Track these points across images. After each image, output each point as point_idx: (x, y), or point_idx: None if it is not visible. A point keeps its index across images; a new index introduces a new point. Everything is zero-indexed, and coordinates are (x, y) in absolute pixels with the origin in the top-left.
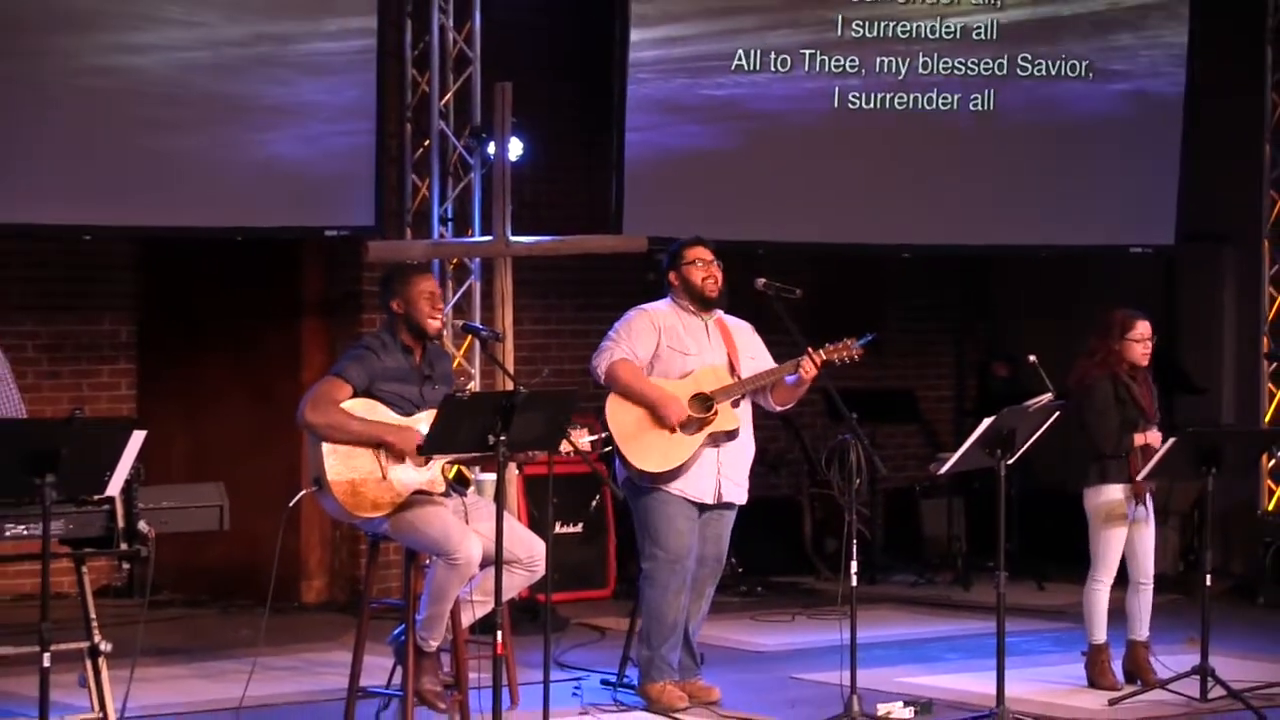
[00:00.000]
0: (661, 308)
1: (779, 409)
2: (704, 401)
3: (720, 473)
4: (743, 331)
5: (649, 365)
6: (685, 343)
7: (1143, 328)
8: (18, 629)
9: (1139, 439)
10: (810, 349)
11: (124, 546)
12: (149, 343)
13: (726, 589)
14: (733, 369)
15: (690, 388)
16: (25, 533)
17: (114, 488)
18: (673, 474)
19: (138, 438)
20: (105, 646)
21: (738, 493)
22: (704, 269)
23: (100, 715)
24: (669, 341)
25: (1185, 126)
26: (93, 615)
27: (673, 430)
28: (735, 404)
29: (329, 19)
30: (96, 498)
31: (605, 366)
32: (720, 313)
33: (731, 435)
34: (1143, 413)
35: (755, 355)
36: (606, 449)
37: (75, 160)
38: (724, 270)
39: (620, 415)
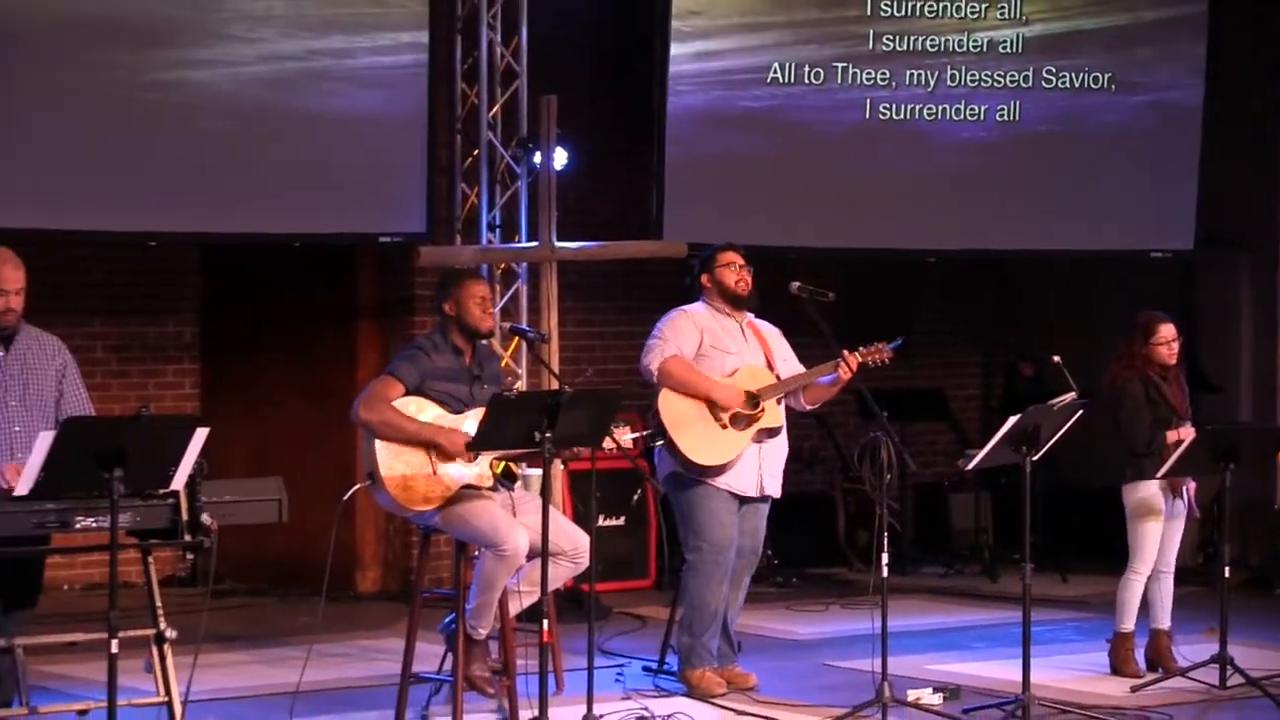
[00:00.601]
0: (699, 309)
1: (809, 408)
2: (751, 399)
3: (761, 467)
4: (773, 335)
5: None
6: (725, 342)
7: (1166, 330)
8: (87, 617)
9: (1171, 436)
10: (845, 352)
11: (188, 538)
12: (211, 344)
13: (763, 580)
14: (771, 368)
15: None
16: (94, 524)
17: (178, 482)
18: (721, 468)
19: (201, 434)
20: (170, 633)
21: (775, 486)
22: (736, 272)
23: (165, 699)
24: (710, 341)
25: (1203, 136)
26: (158, 603)
27: (724, 425)
28: (777, 402)
29: (382, 35)
30: (162, 491)
31: (658, 364)
32: (751, 315)
33: (774, 432)
34: (1174, 410)
35: (786, 357)
36: (658, 444)
37: (142, 169)
38: (758, 274)
39: (674, 411)
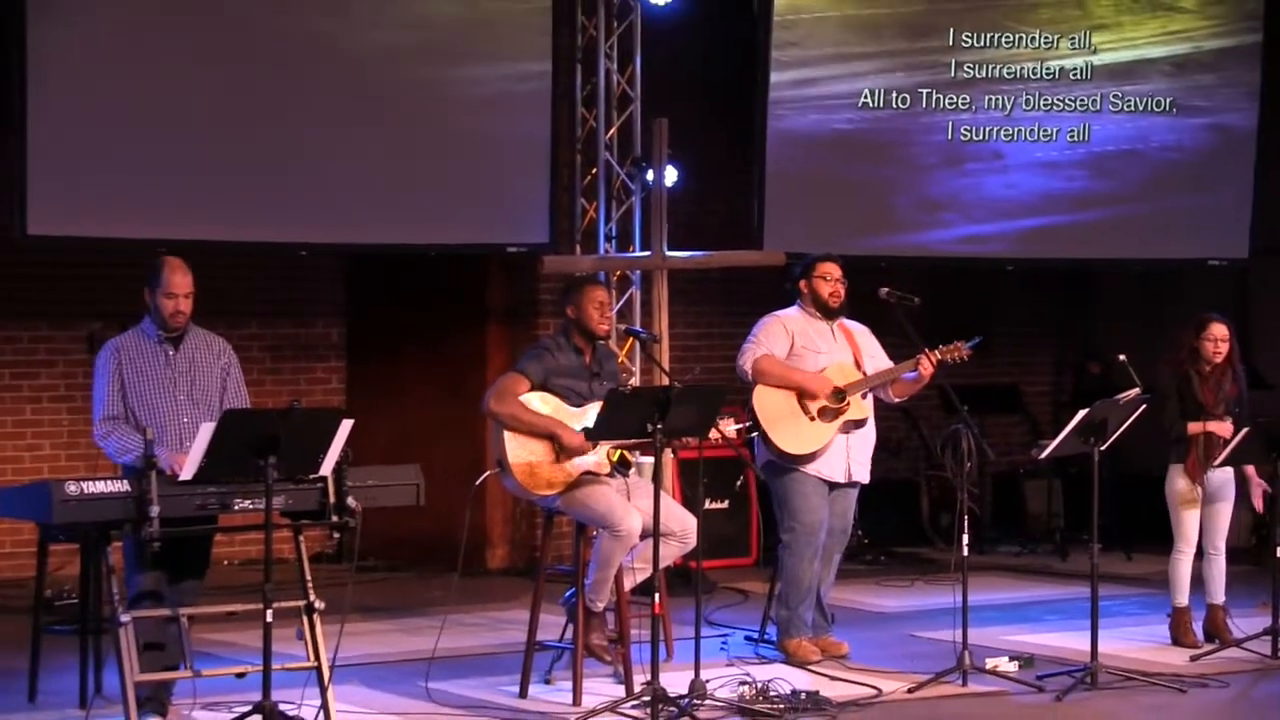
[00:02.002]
0: (792, 313)
1: (897, 400)
2: (837, 394)
3: (849, 456)
4: (863, 334)
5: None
6: (816, 343)
7: (1215, 329)
8: (245, 589)
9: (1193, 428)
10: (926, 350)
11: (335, 519)
12: (356, 344)
13: (854, 558)
14: (858, 366)
15: None
16: (251, 506)
17: (326, 468)
18: (811, 456)
19: (346, 425)
20: (319, 605)
21: (863, 473)
22: (831, 285)
23: (315, 664)
24: (802, 342)
25: (1258, 154)
26: (308, 578)
27: (813, 418)
28: (863, 396)
29: (509, 64)
30: (312, 476)
31: (751, 363)
32: (841, 317)
33: (860, 424)
34: (1202, 406)
35: (874, 355)
36: (753, 434)
37: (294, 186)
38: (851, 281)
39: (767, 406)
